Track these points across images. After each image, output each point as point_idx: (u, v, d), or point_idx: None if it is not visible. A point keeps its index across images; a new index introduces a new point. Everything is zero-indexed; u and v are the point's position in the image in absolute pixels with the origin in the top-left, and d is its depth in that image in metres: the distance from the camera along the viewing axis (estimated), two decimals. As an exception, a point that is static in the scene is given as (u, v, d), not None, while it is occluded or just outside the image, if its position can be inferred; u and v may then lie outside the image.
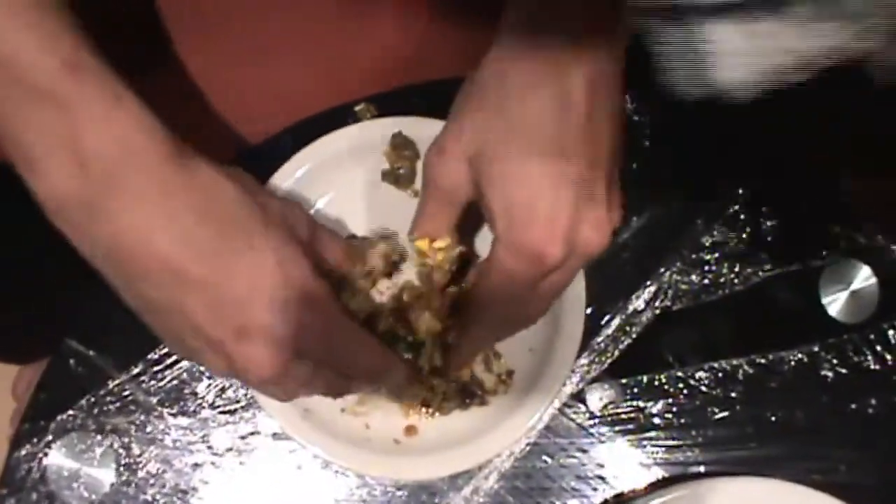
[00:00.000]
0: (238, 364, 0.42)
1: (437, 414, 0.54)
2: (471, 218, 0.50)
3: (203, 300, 0.41)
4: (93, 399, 0.55)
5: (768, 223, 0.58)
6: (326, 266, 0.49)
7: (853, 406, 0.56)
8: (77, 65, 0.38)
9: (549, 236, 0.43)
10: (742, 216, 0.58)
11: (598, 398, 0.55)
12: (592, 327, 0.56)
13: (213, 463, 0.55)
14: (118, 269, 0.41)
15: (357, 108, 0.58)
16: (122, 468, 0.54)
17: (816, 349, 0.56)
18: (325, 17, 0.59)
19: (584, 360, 0.56)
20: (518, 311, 0.49)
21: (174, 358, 0.55)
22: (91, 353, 0.55)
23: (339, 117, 0.57)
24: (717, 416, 0.55)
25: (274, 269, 0.42)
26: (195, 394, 0.55)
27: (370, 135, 0.55)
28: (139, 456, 0.55)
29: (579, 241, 0.44)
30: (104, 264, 0.41)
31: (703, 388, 0.56)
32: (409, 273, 0.55)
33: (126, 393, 0.55)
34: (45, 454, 0.54)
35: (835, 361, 0.56)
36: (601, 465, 0.55)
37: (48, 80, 0.37)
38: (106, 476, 0.54)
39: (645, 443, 0.55)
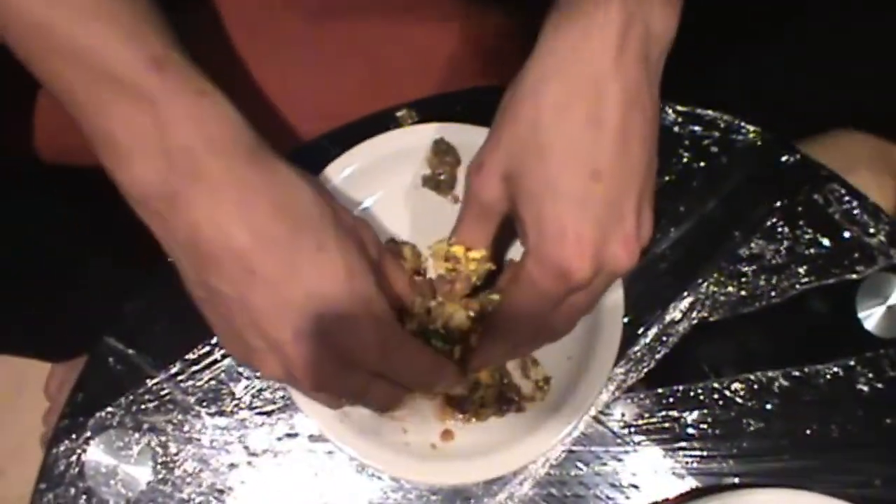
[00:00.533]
0: (293, 366, 0.42)
1: (473, 420, 0.54)
2: (503, 233, 0.51)
3: (269, 297, 0.41)
4: (131, 397, 0.55)
5: (806, 236, 0.58)
6: (389, 291, 0.49)
7: (888, 421, 0.56)
8: (163, 61, 0.39)
9: (577, 253, 0.43)
10: (780, 229, 0.58)
11: (633, 407, 0.56)
12: (629, 336, 0.56)
13: (249, 463, 0.55)
14: (192, 260, 0.42)
15: (399, 114, 0.58)
16: (158, 466, 0.55)
17: (852, 363, 0.56)
18: (366, 22, 0.60)
19: (620, 369, 0.56)
20: (541, 324, 0.49)
21: (212, 358, 0.56)
22: (130, 351, 0.56)
23: (379, 122, 0.57)
24: (751, 428, 0.55)
25: (341, 275, 0.43)
26: (233, 394, 0.56)
27: (413, 140, 0.56)
28: (176, 455, 0.55)
29: (607, 260, 0.44)
30: (180, 255, 0.42)
31: (739, 400, 0.56)
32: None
33: (164, 392, 0.55)
34: (84, 450, 0.55)
35: (871, 376, 0.56)
36: (635, 474, 0.55)
37: (135, 76, 0.38)
38: (143, 474, 0.55)
39: (679, 452, 0.55)
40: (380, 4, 0.60)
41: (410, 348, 0.47)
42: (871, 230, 0.58)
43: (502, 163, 0.46)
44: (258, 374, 0.56)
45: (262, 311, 0.42)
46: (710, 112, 0.59)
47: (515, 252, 0.55)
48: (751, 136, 0.59)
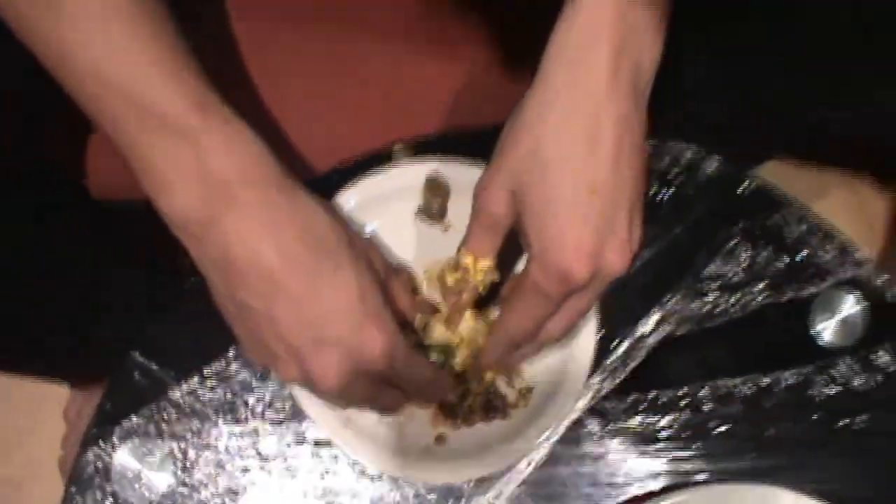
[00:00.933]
0: (310, 372, 0.48)
1: (463, 425, 0.60)
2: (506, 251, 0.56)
3: (291, 310, 0.47)
4: (154, 407, 0.61)
5: (764, 256, 0.64)
6: (394, 307, 0.54)
7: (841, 423, 0.61)
8: (204, 104, 0.45)
9: (576, 258, 0.48)
10: (740, 250, 0.64)
11: (610, 413, 0.61)
12: (605, 349, 0.62)
13: (261, 467, 0.60)
14: (224, 277, 0.47)
15: (395, 149, 0.64)
16: (179, 471, 0.60)
17: (808, 371, 0.62)
18: (374, 62, 0.66)
19: (597, 378, 0.62)
20: (543, 325, 0.53)
21: (228, 372, 0.62)
22: (153, 366, 0.61)
23: (379, 157, 0.64)
24: (718, 431, 0.61)
25: (355, 293, 0.49)
26: (246, 404, 0.61)
27: (409, 174, 0.62)
28: (195, 460, 0.60)
29: (603, 264, 0.49)
30: (213, 273, 0.48)
31: (706, 406, 0.62)
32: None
33: (184, 403, 0.61)
34: (111, 456, 0.60)
35: (825, 382, 0.62)
36: (612, 474, 0.60)
37: (181, 117, 0.44)
38: (164, 478, 0.60)
39: (653, 453, 0.61)
40: (388, 45, 0.67)
41: (414, 360, 0.53)
42: (823, 250, 0.64)
43: (507, 180, 0.51)
44: (277, 378, 0.62)
45: (286, 324, 0.47)
46: (676, 144, 0.66)
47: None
48: (714, 165, 0.66)
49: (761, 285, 0.64)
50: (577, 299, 0.52)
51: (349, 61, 0.68)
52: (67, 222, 0.66)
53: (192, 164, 0.45)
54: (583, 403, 0.61)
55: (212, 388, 0.61)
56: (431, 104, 0.69)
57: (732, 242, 0.64)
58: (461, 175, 0.61)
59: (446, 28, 0.68)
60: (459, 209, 0.60)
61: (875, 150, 0.85)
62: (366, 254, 0.53)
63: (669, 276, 0.64)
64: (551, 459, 0.61)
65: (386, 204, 0.62)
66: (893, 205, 0.96)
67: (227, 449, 0.61)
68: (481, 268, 0.56)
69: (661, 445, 0.61)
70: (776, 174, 0.73)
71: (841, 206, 0.95)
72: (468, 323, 0.60)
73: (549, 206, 0.49)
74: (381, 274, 0.54)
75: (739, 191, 0.66)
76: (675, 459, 0.61)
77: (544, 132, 0.49)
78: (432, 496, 0.60)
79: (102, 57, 0.43)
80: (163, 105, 0.44)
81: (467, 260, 0.56)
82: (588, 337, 0.60)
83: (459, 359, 0.60)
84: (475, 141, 0.58)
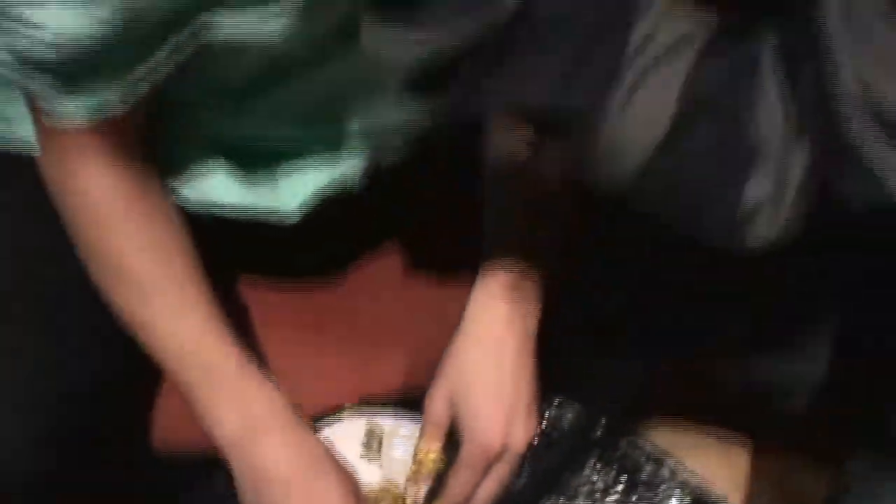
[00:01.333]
0: None
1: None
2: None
3: None
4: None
5: (612, 475, 0.88)
6: None
7: None
8: (244, 363, 0.71)
9: (494, 438, 0.72)
10: (595, 471, 0.89)
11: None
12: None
13: None
14: (252, 483, 0.70)
15: (346, 406, 0.90)
16: None
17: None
18: (342, 342, 0.91)
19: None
20: (475, 491, 0.75)
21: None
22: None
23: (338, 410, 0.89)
24: None
25: (341, 498, 0.72)
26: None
27: (353, 424, 0.86)
28: None
29: (511, 441, 0.73)
30: (244, 479, 0.70)
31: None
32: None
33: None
34: None
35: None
36: None
37: (234, 374, 0.70)
38: None
39: None
40: (356, 334, 0.91)
41: None
42: (657, 470, 0.89)
43: (445, 393, 0.75)
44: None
45: None
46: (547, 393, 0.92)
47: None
48: (573, 413, 0.92)
49: (612, 497, 0.88)
50: (496, 469, 0.76)
51: (324, 338, 0.92)
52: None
53: (237, 406, 0.69)
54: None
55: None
56: (381, 371, 0.94)
57: (590, 465, 0.89)
58: (394, 424, 0.86)
59: (391, 321, 0.93)
60: (391, 450, 0.85)
61: (732, 406, 1.08)
62: (348, 474, 0.77)
63: (544, 488, 0.88)
64: None
65: (337, 445, 0.85)
66: (756, 456, 1.13)
67: None
68: (432, 456, 0.79)
69: None
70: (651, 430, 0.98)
71: (707, 454, 1.14)
72: None
73: (473, 407, 0.74)
74: (358, 489, 0.78)
75: (594, 431, 0.92)
76: None
77: (465, 360, 0.75)
78: None
79: (183, 337, 0.69)
80: (222, 369, 0.70)
81: (422, 450, 0.79)
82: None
83: None
84: (405, 401, 0.85)
